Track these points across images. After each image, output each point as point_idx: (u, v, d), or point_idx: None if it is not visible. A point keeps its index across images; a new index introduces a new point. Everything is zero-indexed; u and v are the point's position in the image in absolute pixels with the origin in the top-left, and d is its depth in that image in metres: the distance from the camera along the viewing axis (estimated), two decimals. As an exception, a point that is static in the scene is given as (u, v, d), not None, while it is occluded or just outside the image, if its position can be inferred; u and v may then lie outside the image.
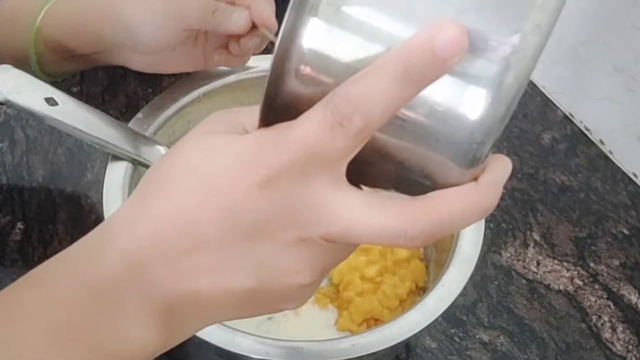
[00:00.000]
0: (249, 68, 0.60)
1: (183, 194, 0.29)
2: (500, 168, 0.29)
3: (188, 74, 0.60)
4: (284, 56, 0.27)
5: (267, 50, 0.59)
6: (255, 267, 0.29)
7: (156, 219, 0.29)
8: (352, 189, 0.28)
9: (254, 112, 0.29)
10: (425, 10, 0.26)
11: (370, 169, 0.29)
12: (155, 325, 0.30)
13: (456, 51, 0.25)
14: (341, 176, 0.28)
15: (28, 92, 0.51)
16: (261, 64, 0.60)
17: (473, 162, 0.27)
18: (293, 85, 0.27)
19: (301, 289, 0.30)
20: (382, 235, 0.28)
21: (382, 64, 0.26)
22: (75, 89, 0.75)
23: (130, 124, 0.56)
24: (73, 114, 0.52)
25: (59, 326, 0.29)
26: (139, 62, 0.56)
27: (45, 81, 0.52)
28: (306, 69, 0.27)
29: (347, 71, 0.26)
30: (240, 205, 0.28)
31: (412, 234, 0.27)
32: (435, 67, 0.25)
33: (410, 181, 0.28)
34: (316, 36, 0.26)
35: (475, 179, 0.28)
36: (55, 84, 0.73)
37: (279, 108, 0.28)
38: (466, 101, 0.26)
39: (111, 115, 0.71)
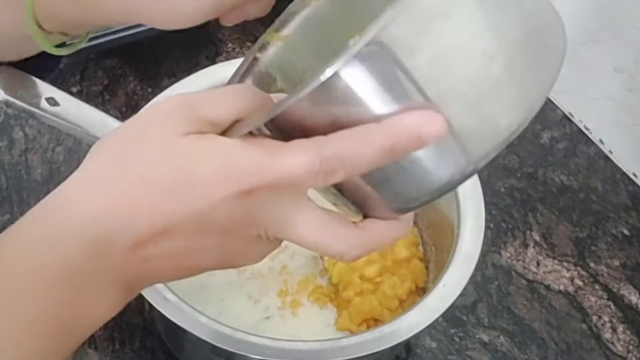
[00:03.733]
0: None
1: (160, 191, 0.31)
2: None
3: (188, 74, 0.60)
4: (315, 82, 0.29)
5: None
6: (219, 255, 0.33)
7: (126, 206, 0.31)
8: (311, 207, 0.33)
9: (215, 102, 0.32)
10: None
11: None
12: (119, 298, 0.33)
13: (437, 138, 0.29)
14: (305, 194, 0.33)
15: (28, 92, 0.51)
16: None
17: (405, 213, 0.34)
18: (303, 106, 0.30)
19: (245, 265, 0.35)
20: (324, 251, 0.33)
21: (374, 136, 0.29)
22: (75, 89, 0.75)
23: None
24: (73, 114, 0.52)
25: (25, 311, 0.31)
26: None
27: (53, 53, 0.51)
28: (324, 97, 0.29)
29: (349, 114, 0.30)
30: (215, 209, 0.31)
31: (348, 255, 0.33)
32: (415, 147, 0.30)
33: (352, 202, 0.34)
34: (350, 74, 0.29)
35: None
36: (54, 84, 0.73)
37: (275, 120, 0.30)
38: (422, 176, 0.31)
39: (111, 114, 0.71)
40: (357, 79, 0.28)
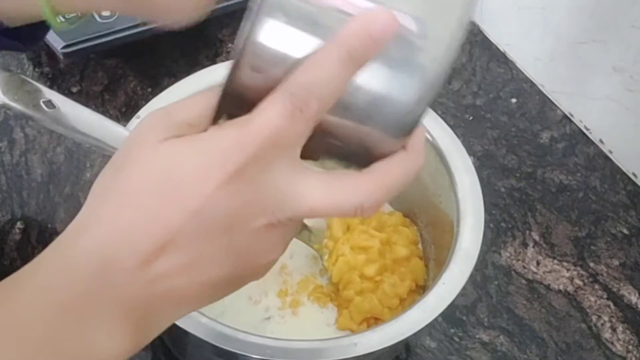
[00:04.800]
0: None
1: (150, 200, 0.29)
2: (419, 133, 0.32)
3: (188, 74, 0.60)
4: (241, 51, 0.29)
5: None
6: (231, 258, 0.31)
7: (124, 225, 0.30)
8: (309, 171, 0.31)
9: (190, 105, 0.31)
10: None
11: (317, 146, 0.31)
12: (127, 330, 0.30)
13: (390, 32, 0.28)
14: (298, 159, 0.30)
15: (26, 95, 0.51)
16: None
17: (405, 135, 0.31)
18: (249, 76, 0.29)
19: (271, 263, 0.33)
20: (342, 211, 0.31)
21: (328, 51, 0.28)
22: (75, 89, 0.75)
23: (129, 125, 0.56)
24: (71, 117, 0.52)
25: (30, 341, 0.29)
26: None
27: (60, 27, 0.51)
28: (259, 61, 0.29)
29: (294, 63, 0.29)
30: (210, 203, 0.29)
31: (368, 204, 0.31)
32: (373, 47, 0.29)
33: (351, 153, 0.32)
34: (269, 34, 0.29)
35: (404, 145, 0.32)
36: (54, 84, 0.73)
37: (235, 97, 0.30)
38: (397, 86, 0.30)
39: (111, 114, 0.71)
40: (278, 31, 0.29)
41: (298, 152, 0.30)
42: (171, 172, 0.29)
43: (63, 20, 0.55)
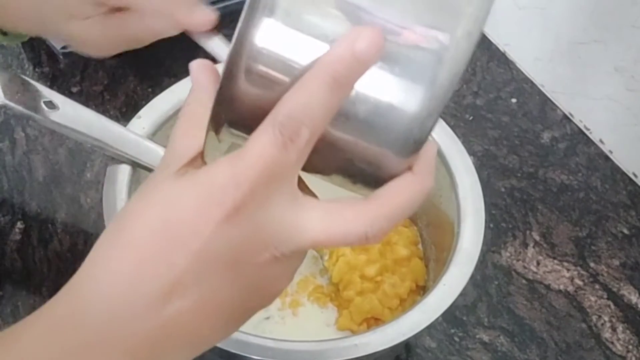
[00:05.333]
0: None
1: (154, 246, 0.29)
2: (430, 154, 0.31)
3: (188, 74, 0.60)
4: (237, 54, 0.28)
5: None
6: (239, 292, 0.30)
7: (131, 273, 0.29)
8: (310, 202, 0.30)
9: (180, 134, 0.32)
10: (367, 13, 0.28)
11: (322, 160, 0.31)
12: None
13: (375, 51, 0.28)
14: (296, 191, 0.30)
15: (27, 95, 0.51)
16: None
17: (411, 153, 0.30)
18: (245, 84, 0.29)
19: (280, 291, 0.33)
20: (345, 241, 0.30)
21: (313, 76, 0.28)
22: (75, 89, 0.75)
23: (130, 125, 0.56)
24: (72, 117, 0.52)
25: None
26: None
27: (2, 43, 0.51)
28: (257, 67, 0.28)
29: (296, 70, 0.29)
30: (211, 242, 0.29)
31: (372, 233, 0.30)
32: (359, 68, 0.28)
33: (357, 170, 0.31)
34: (268, 36, 0.28)
35: (411, 165, 0.31)
36: (54, 84, 0.73)
37: (230, 107, 0.29)
38: (403, 98, 0.29)
39: (111, 114, 0.71)
40: (275, 33, 0.28)
41: (295, 180, 0.30)
42: (170, 216, 0.29)
43: (4, 35, 0.56)
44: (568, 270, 0.66)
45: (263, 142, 0.28)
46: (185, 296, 0.29)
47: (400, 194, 0.31)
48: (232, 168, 0.29)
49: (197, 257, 0.29)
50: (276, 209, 0.29)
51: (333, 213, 0.30)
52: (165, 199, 0.30)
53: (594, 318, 0.63)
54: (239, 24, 0.28)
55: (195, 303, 0.29)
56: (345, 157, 0.31)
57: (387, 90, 0.29)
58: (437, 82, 0.29)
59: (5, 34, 0.56)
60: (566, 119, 0.78)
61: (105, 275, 0.30)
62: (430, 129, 0.29)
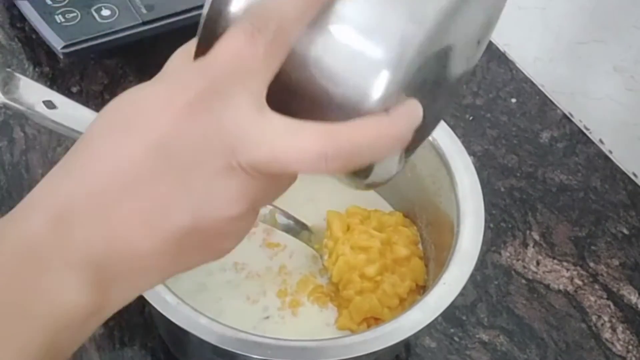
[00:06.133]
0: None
1: (110, 139, 0.28)
2: (411, 104, 0.30)
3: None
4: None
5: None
6: (190, 203, 0.28)
7: (83, 171, 0.28)
8: (276, 115, 0.29)
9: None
10: None
11: (288, 105, 0.30)
12: (87, 285, 0.28)
13: None
14: (262, 98, 0.29)
15: (26, 95, 0.51)
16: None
17: (383, 94, 0.29)
18: (225, 23, 0.29)
19: (235, 222, 0.30)
20: (304, 158, 0.28)
21: None
22: (75, 89, 0.75)
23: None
24: (71, 117, 0.52)
25: None
26: None
27: None
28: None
29: None
30: (168, 134, 0.28)
31: (332, 153, 0.28)
32: None
33: (328, 114, 0.30)
34: None
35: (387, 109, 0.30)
36: (54, 83, 0.73)
37: (215, 28, 0.30)
38: (377, 38, 0.29)
39: (110, 114, 0.70)
40: None
41: (263, 90, 0.29)
42: (130, 107, 0.29)
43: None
44: (568, 270, 0.66)
45: (231, 33, 0.28)
46: (137, 196, 0.28)
47: (368, 126, 0.29)
48: (199, 61, 0.29)
49: (155, 149, 0.28)
50: (239, 111, 0.28)
51: (296, 127, 0.29)
52: (132, 92, 0.29)
53: (594, 318, 0.63)
54: None
55: (146, 206, 0.28)
56: (318, 102, 0.30)
57: (358, 34, 0.29)
58: (418, 19, 0.28)
59: None
60: (566, 118, 0.78)
61: (67, 179, 0.29)
62: (404, 79, 0.29)
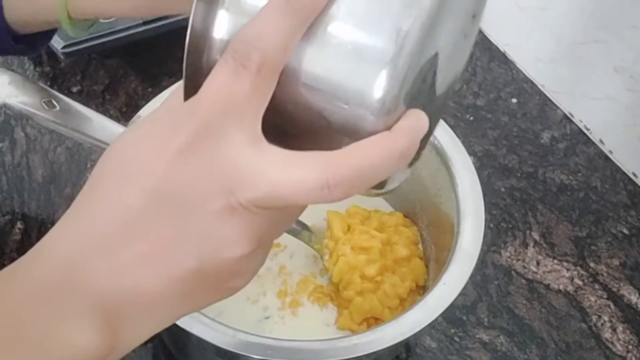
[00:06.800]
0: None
1: (110, 186, 0.29)
2: (413, 117, 0.29)
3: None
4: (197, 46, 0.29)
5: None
6: (193, 245, 0.29)
7: (89, 217, 0.29)
8: (272, 148, 0.28)
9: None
10: None
11: (287, 134, 0.29)
12: (98, 328, 0.29)
13: None
14: (258, 134, 0.28)
15: (26, 95, 0.51)
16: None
17: (382, 111, 0.28)
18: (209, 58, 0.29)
19: (243, 261, 0.30)
20: (305, 190, 0.28)
21: (266, 4, 0.27)
22: (75, 88, 0.75)
23: (130, 124, 0.56)
24: (71, 117, 0.52)
25: None
26: None
27: (75, 33, 0.51)
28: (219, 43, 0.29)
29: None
30: (164, 179, 0.28)
31: (333, 181, 0.27)
32: None
33: (328, 138, 0.29)
34: (225, 26, 0.28)
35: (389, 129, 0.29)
36: (55, 83, 0.73)
37: (199, 67, 0.29)
38: (369, 54, 0.28)
39: (111, 114, 0.71)
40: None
41: (257, 125, 0.28)
42: (125, 153, 0.29)
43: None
44: (568, 270, 0.66)
45: (216, 73, 0.28)
46: (138, 242, 0.28)
47: (369, 145, 0.28)
48: (188, 103, 0.28)
49: (151, 195, 0.28)
50: (232, 148, 0.28)
51: (294, 158, 0.28)
52: (124, 139, 0.29)
53: (594, 318, 0.63)
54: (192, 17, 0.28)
55: (148, 251, 0.28)
56: (315, 126, 0.29)
57: (352, 47, 0.28)
58: (405, 33, 0.27)
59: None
60: (566, 119, 0.78)
61: (72, 225, 0.29)
62: (405, 90, 0.28)
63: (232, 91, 0.27)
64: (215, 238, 0.28)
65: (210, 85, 0.28)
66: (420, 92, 0.31)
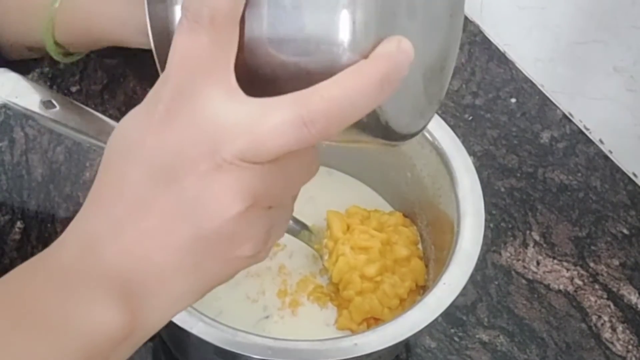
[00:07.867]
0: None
1: (113, 168, 0.30)
2: (392, 42, 0.28)
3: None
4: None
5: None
6: (190, 211, 0.28)
7: (100, 202, 0.30)
8: (249, 98, 0.28)
9: None
10: None
11: (266, 90, 0.29)
12: (116, 306, 0.29)
13: None
14: (234, 87, 0.28)
15: (26, 95, 0.51)
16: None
17: (353, 42, 0.27)
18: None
19: (242, 222, 0.29)
20: (283, 132, 0.27)
21: None
22: (74, 88, 0.75)
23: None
24: (71, 117, 0.52)
25: (19, 314, 0.29)
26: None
27: (61, 61, 0.52)
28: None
29: None
30: (153, 152, 0.28)
31: (308, 117, 0.27)
32: None
33: (308, 85, 0.28)
34: None
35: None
36: (54, 83, 0.73)
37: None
38: None
39: (110, 114, 0.71)
40: None
41: (230, 78, 0.28)
42: (119, 136, 0.30)
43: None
44: (568, 270, 0.66)
45: (176, 36, 0.28)
46: (140, 216, 0.29)
47: (342, 76, 0.27)
48: (162, 75, 0.29)
49: (142, 167, 0.29)
50: (209, 104, 0.28)
51: (270, 104, 0.27)
52: (120, 125, 0.31)
53: (594, 318, 0.63)
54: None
55: (150, 224, 0.29)
56: (298, 71, 0.28)
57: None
58: None
59: (68, 54, 0.58)
60: (566, 119, 0.78)
61: (83, 210, 0.31)
62: (366, 9, 0.27)
63: (193, 48, 0.27)
64: (207, 200, 0.28)
65: (174, 50, 0.28)
66: (395, 16, 0.29)
